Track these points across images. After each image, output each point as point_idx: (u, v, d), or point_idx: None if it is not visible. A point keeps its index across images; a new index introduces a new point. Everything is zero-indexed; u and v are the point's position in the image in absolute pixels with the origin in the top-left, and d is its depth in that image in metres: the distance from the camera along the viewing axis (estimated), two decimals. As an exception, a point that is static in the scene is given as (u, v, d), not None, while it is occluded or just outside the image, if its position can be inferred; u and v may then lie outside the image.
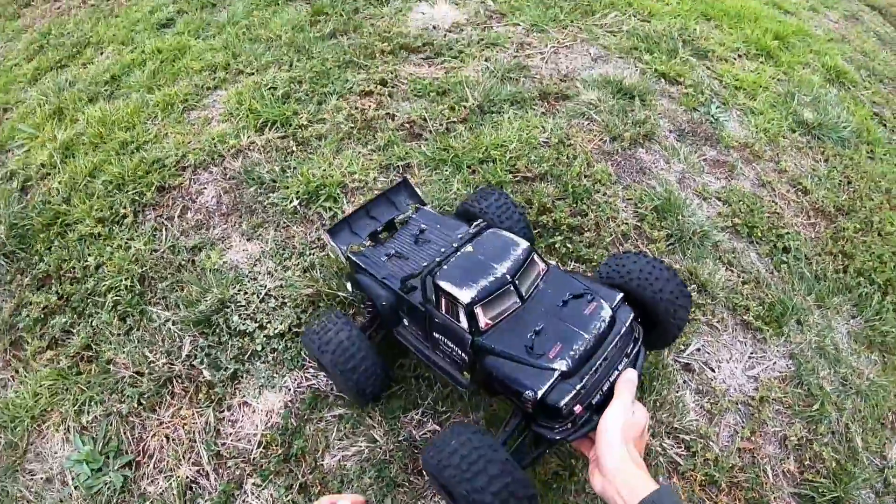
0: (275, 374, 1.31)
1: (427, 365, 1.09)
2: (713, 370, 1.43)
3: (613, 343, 0.89)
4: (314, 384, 1.30)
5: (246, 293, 1.44)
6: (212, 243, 1.58)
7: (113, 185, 1.74)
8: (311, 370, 1.32)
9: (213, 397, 1.30)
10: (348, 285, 1.19)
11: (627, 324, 0.92)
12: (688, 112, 2.00)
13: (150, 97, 2.00)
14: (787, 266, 1.69)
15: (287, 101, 1.81)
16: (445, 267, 0.94)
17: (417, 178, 1.60)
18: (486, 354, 0.89)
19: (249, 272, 1.48)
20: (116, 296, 1.51)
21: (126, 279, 1.53)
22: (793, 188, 1.95)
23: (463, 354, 0.93)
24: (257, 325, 1.39)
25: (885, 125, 2.39)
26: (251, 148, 1.71)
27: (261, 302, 1.42)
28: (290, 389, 1.29)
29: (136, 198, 1.71)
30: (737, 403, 1.40)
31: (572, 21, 2.22)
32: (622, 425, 0.79)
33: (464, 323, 0.90)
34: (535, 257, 0.97)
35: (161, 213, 1.68)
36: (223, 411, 1.29)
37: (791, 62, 2.42)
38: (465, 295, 0.88)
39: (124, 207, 1.68)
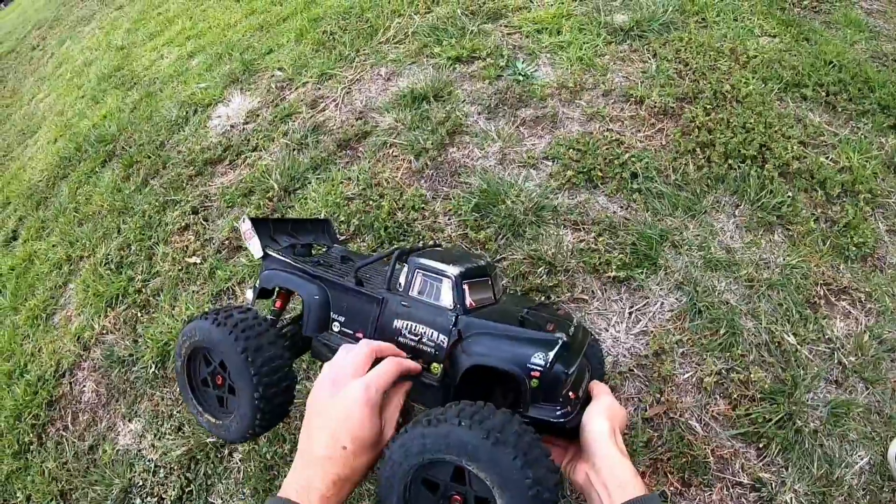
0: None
1: None
2: (595, 349, 1.39)
3: (587, 343, 0.88)
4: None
5: (141, 473, 1.49)
6: (103, 437, 1.63)
7: (13, 417, 1.80)
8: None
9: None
10: (249, 293, 1.08)
11: (590, 337, 0.90)
12: (492, 83, 1.97)
13: (17, 318, 2.06)
14: (640, 193, 1.59)
15: (121, 270, 1.85)
16: (418, 255, 0.89)
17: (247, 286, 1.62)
18: (472, 334, 0.81)
19: (137, 452, 1.53)
20: (50, 520, 1.58)
21: (51, 502, 1.59)
22: (625, 104, 1.87)
23: (440, 338, 0.84)
24: (156, 499, 1.44)
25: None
26: (104, 331, 1.75)
27: (153, 476, 1.47)
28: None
29: (34, 421, 1.76)
30: (631, 370, 1.33)
31: (358, 51, 2.20)
32: (609, 411, 0.75)
33: (446, 301, 0.84)
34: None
35: (58, 427, 1.74)
36: None
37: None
38: (453, 269, 0.84)
39: (28, 435, 1.74)
